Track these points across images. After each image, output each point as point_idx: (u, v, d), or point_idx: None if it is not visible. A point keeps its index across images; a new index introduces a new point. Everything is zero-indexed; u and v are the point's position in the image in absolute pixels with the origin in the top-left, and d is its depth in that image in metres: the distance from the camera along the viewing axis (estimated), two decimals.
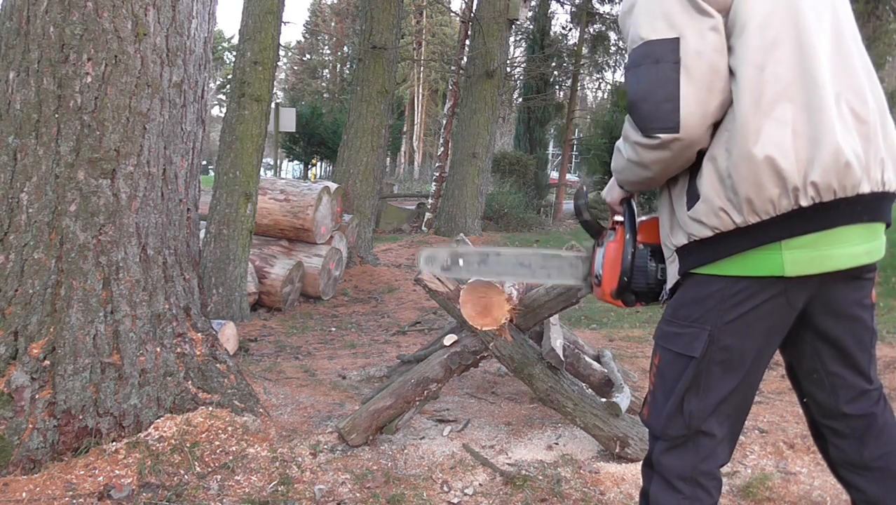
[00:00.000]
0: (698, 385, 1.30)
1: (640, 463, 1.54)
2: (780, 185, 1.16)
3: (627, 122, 1.28)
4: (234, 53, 5.83)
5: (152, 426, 2.21)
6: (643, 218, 1.54)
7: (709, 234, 1.22)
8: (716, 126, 1.23)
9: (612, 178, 1.48)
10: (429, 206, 12.33)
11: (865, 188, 1.19)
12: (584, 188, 1.73)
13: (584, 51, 16.99)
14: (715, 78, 1.19)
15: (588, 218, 1.62)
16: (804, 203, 1.16)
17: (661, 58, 1.19)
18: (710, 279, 1.25)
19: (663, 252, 1.39)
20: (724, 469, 2.32)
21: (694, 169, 1.27)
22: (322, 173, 27.07)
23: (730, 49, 1.21)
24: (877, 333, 1.38)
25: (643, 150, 1.26)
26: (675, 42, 1.18)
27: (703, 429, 1.32)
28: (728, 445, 1.36)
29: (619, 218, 1.53)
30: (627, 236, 1.48)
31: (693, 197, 1.25)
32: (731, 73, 1.20)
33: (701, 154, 1.25)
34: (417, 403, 2.47)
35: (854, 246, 1.21)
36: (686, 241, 1.27)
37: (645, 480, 1.42)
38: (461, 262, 1.91)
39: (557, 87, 18.91)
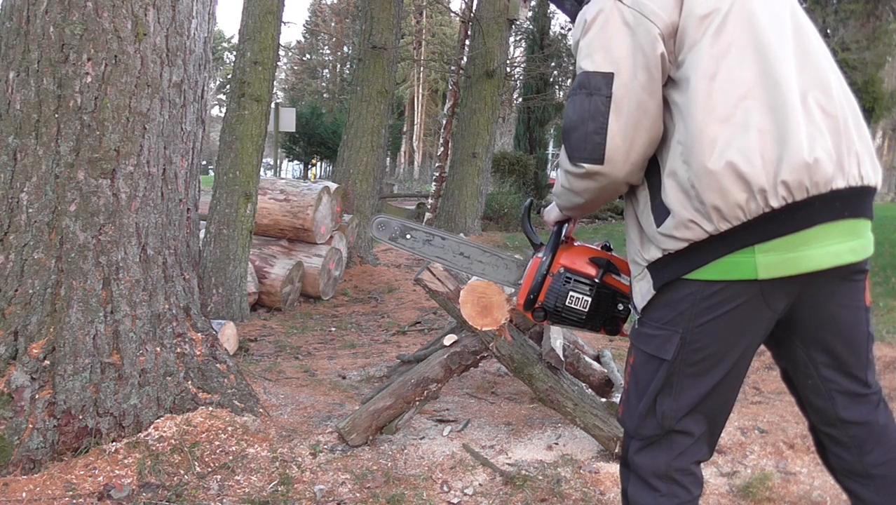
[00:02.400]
0: (671, 386, 1.29)
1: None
2: (745, 189, 1.14)
3: (562, 150, 1.33)
4: (234, 53, 5.83)
5: (152, 426, 2.21)
6: (575, 244, 1.58)
7: (683, 245, 1.21)
8: (664, 141, 1.25)
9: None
10: (429, 206, 12.32)
11: (840, 183, 1.17)
12: (532, 200, 1.85)
13: None
14: (642, 116, 1.22)
15: (528, 229, 1.72)
16: (775, 204, 1.14)
17: (595, 90, 1.22)
18: (683, 283, 1.24)
19: (630, 270, 1.38)
20: (725, 469, 2.33)
21: (654, 186, 1.27)
22: (322, 173, 27.07)
23: (680, 63, 1.22)
24: (873, 337, 1.35)
25: (572, 178, 1.31)
26: (609, 77, 1.21)
27: (678, 428, 1.31)
28: (707, 442, 1.35)
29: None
30: (544, 258, 1.53)
31: (662, 213, 1.24)
32: (683, 85, 1.21)
33: (658, 171, 1.26)
34: (417, 403, 2.47)
35: (835, 244, 1.19)
36: (660, 255, 1.26)
37: (623, 479, 1.42)
38: (409, 236, 1.98)
39: (557, 87, 18.92)
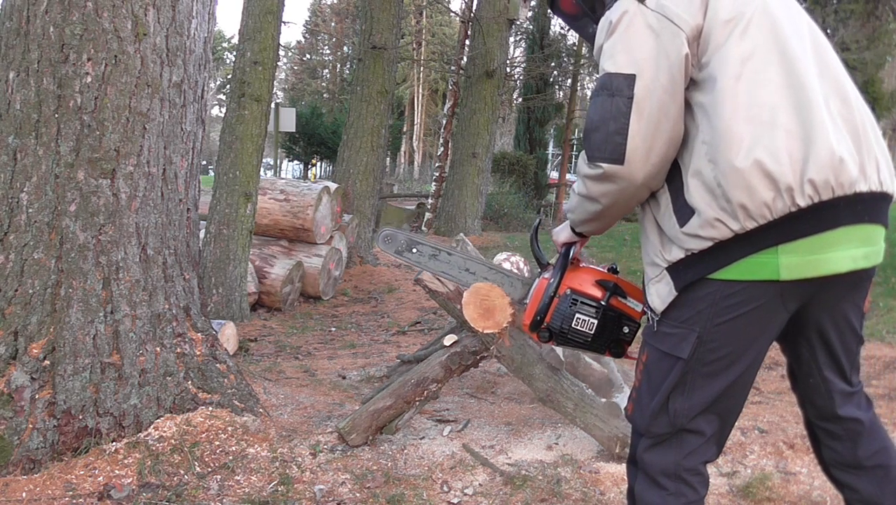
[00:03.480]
0: (684, 385, 1.30)
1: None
2: (772, 188, 1.15)
3: (581, 155, 1.33)
4: (234, 53, 5.83)
5: (152, 426, 2.21)
6: (582, 266, 1.59)
7: (707, 245, 1.21)
8: (686, 143, 1.26)
9: (567, 220, 1.53)
10: (429, 206, 12.33)
11: (863, 187, 1.19)
12: (540, 220, 1.84)
13: (584, 51, 16.98)
14: (663, 118, 1.23)
15: (536, 249, 1.72)
16: (802, 203, 1.15)
17: (617, 91, 1.23)
18: (704, 282, 1.25)
19: (646, 272, 1.38)
20: (725, 469, 2.33)
21: (676, 187, 1.27)
22: (322, 173, 27.05)
23: (703, 65, 1.24)
24: (863, 340, 1.39)
25: (591, 182, 1.31)
26: (631, 78, 1.23)
27: (690, 427, 1.32)
28: (716, 443, 1.36)
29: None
30: (552, 280, 1.54)
31: (686, 213, 1.24)
32: (708, 85, 1.22)
33: (680, 173, 1.26)
34: (417, 403, 2.47)
35: (853, 249, 1.20)
36: (683, 256, 1.26)
37: (630, 477, 1.43)
38: (415, 250, 1.99)
39: (557, 87, 18.90)
